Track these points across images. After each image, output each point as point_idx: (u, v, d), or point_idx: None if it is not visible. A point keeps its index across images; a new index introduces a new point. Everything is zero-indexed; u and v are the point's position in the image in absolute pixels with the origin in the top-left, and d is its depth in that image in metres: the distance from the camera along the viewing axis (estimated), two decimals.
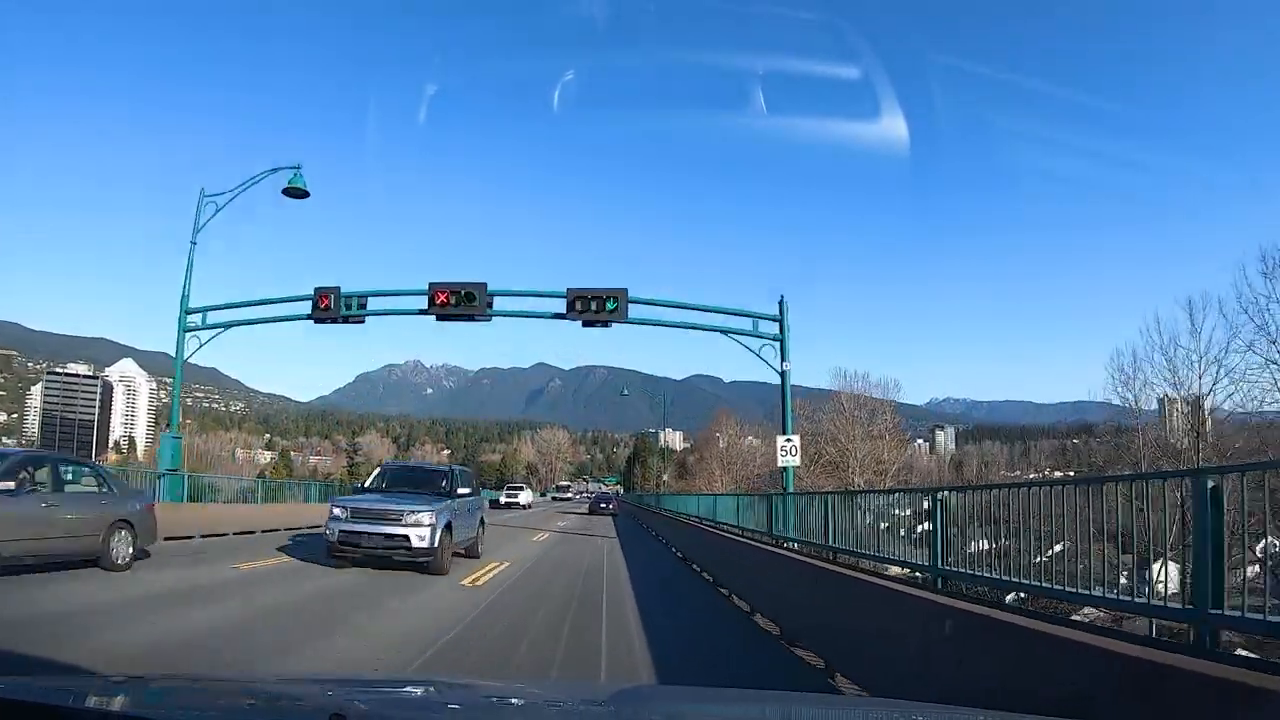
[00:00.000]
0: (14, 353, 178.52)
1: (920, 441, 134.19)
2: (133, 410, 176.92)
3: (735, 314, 17.89)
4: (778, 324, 17.37)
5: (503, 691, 2.51)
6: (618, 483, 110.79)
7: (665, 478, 74.01)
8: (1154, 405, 25.08)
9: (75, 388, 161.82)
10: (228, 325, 18.98)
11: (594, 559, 15.53)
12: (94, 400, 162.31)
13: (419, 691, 2.45)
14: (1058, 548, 4.35)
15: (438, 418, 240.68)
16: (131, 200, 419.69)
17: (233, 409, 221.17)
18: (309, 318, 18.56)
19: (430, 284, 17.79)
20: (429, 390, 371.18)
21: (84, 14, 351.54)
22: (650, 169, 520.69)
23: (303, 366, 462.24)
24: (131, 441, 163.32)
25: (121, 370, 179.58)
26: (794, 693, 4.26)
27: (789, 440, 16.29)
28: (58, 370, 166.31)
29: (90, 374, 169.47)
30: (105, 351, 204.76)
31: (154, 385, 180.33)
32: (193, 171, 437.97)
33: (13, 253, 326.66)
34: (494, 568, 12.38)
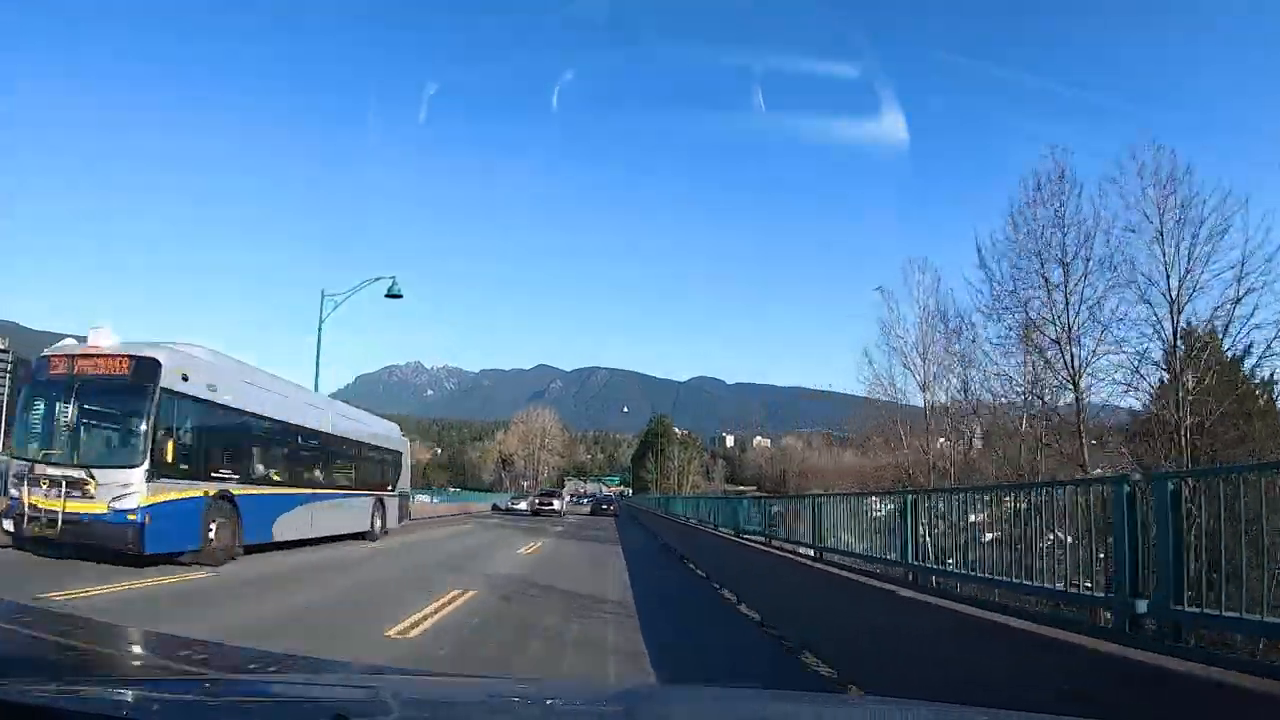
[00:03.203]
0: None
1: (942, 440, 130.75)
2: None
3: None
4: None
5: (508, 690, 2.57)
6: (621, 483, 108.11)
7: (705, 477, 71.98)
8: None
9: None
10: None
11: None
12: (4, 376, 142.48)
13: (424, 689, 2.50)
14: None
15: (436, 418, 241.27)
16: (129, 199, 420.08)
17: None
18: None
19: None
20: (429, 391, 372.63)
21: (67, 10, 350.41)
22: (649, 167, 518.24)
23: (303, 368, 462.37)
24: None
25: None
26: (796, 692, 4.29)
27: None
28: None
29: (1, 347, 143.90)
30: None
31: None
32: (190, 172, 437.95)
33: (15, 253, 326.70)
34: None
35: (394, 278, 22.97)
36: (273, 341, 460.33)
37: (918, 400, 25.06)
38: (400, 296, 23.14)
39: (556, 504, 44.12)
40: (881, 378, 25.67)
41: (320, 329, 22.84)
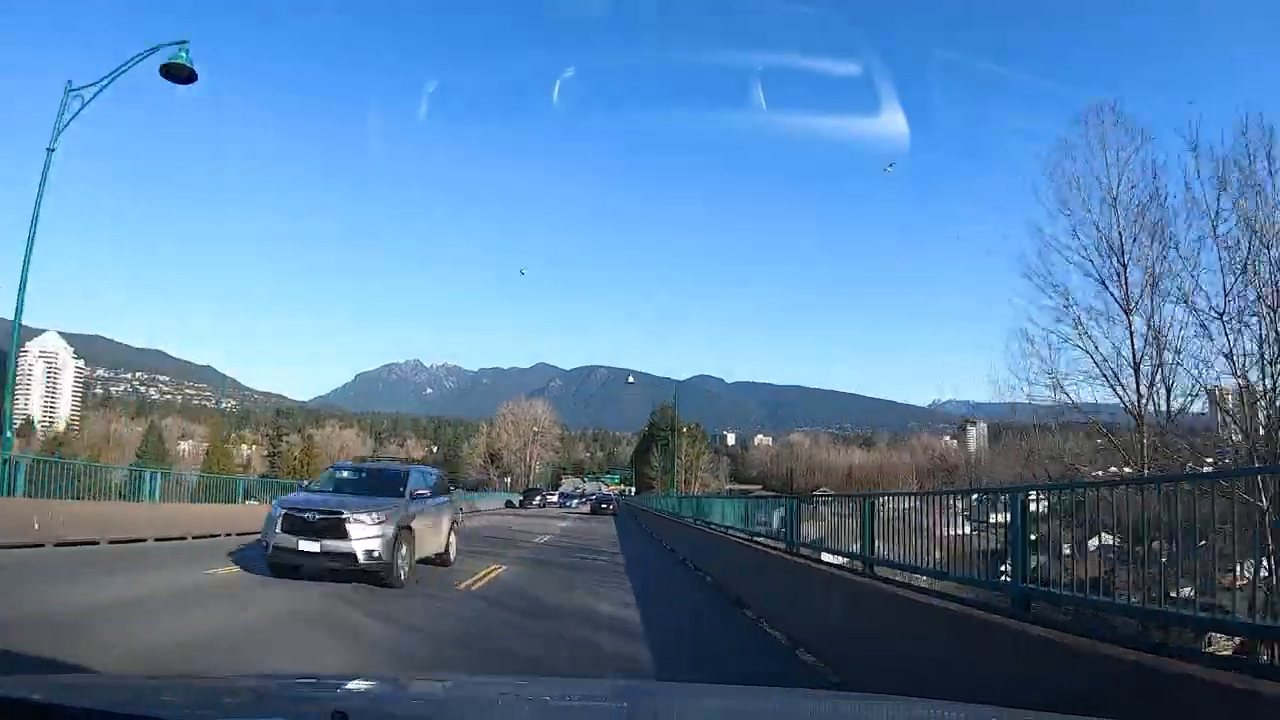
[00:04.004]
0: None
1: (947, 439, 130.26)
2: (55, 390, 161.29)
3: None
4: None
5: (506, 689, 2.59)
6: (621, 480, 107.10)
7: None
8: None
9: None
10: None
11: None
12: None
13: (422, 689, 2.52)
14: None
15: (435, 416, 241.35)
16: (126, 199, 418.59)
17: (221, 405, 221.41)
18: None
19: None
20: (429, 390, 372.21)
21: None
22: (649, 165, 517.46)
23: (302, 366, 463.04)
24: (30, 422, 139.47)
25: (41, 345, 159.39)
26: (795, 689, 4.25)
27: None
28: None
29: None
30: (102, 348, 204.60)
31: (81, 364, 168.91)
32: (185, 172, 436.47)
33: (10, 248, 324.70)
34: None
35: (184, 43, 13.74)
36: (273, 336, 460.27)
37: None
38: (192, 77, 14.00)
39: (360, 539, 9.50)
40: (1058, 292, 15.85)
41: (55, 140, 13.88)
